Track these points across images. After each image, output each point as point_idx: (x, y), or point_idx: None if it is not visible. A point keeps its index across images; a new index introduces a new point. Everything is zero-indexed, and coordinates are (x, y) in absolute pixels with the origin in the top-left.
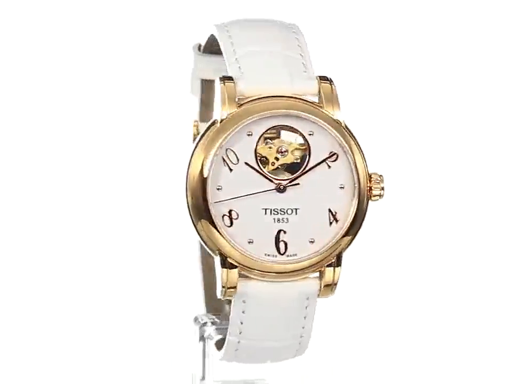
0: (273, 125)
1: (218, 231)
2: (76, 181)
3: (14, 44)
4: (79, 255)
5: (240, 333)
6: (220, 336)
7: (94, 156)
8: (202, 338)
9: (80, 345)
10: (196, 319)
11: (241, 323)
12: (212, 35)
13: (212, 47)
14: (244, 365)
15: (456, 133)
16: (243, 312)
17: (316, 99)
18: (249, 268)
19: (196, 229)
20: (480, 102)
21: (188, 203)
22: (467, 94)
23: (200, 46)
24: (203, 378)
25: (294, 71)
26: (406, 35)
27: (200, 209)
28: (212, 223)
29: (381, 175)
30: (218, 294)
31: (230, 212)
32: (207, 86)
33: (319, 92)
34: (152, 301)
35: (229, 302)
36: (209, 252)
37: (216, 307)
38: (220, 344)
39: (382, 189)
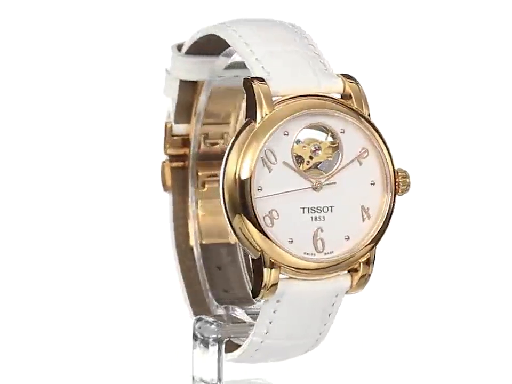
0: (308, 124)
1: (261, 231)
2: (51, 180)
3: None
4: (71, 258)
5: (266, 333)
6: (227, 338)
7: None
8: (216, 339)
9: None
10: (201, 320)
11: (270, 323)
12: (206, 36)
13: (202, 48)
14: (243, 364)
15: (457, 129)
16: (274, 312)
17: (339, 96)
18: (289, 267)
19: (232, 227)
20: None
21: (225, 202)
22: (468, 93)
23: (180, 46)
24: (219, 381)
25: (317, 70)
26: (401, 35)
27: (238, 208)
28: (255, 223)
29: (405, 171)
30: (254, 295)
31: (270, 211)
32: (185, 87)
33: (344, 89)
34: (149, 302)
35: (223, 303)
36: (246, 250)
37: (204, 308)
38: (229, 346)
39: (409, 184)
